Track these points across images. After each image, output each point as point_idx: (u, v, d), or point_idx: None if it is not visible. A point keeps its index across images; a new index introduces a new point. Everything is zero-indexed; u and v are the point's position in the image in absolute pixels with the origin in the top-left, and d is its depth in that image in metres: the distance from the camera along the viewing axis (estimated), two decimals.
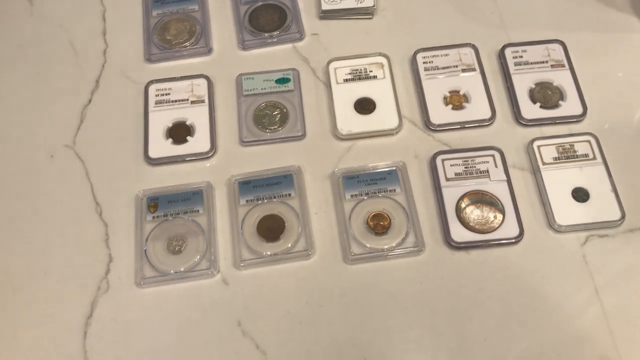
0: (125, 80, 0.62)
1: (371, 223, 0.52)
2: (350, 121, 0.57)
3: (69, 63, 0.63)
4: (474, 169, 0.54)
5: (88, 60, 0.63)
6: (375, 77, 0.59)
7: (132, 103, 0.60)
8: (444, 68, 0.60)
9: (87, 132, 0.59)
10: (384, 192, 0.54)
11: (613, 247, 0.51)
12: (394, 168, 0.55)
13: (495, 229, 0.51)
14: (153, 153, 0.56)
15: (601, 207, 0.52)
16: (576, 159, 0.54)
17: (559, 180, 0.53)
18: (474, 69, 0.59)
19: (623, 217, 0.51)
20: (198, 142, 0.57)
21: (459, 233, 0.51)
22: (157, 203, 0.54)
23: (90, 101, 0.61)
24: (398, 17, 0.64)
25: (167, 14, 0.65)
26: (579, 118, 0.56)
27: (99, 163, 0.57)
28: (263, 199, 0.54)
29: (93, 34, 0.65)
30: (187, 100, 0.59)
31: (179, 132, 0.58)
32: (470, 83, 0.58)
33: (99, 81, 0.62)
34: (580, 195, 0.52)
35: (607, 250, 0.51)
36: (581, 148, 0.54)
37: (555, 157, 0.54)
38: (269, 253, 0.51)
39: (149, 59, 0.62)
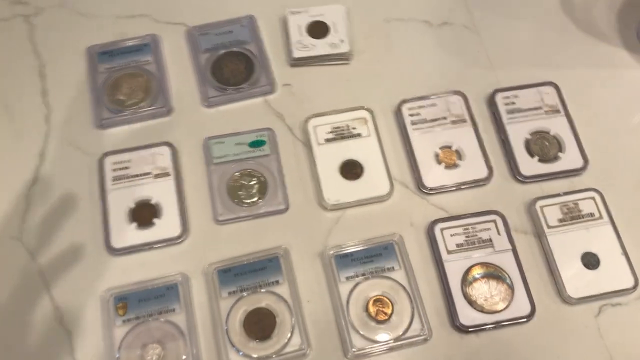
0: (74, 152, 0.54)
1: (372, 309, 0.47)
2: (337, 189, 0.52)
3: (5, 133, 0.55)
4: (476, 237, 0.50)
5: (28, 128, 0.55)
6: (359, 134, 0.54)
7: (86, 179, 0.52)
8: (432, 120, 0.54)
9: (36, 219, 0.51)
10: (382, 270, 0.49)
11: (628, 316, 0.48)
12: (391, 242, 0.50)
13: (505, 308, 0.47)
14: (116, 242, 0.49)
15: (613, 273, 0.48)
16: (582, 219, 0.50)
17: (567, 245, 0.49)
18: (464, 120, 0.54)
19: (637, 283, 0.48)
20: (166, 225, 0.50)
21: (467, 315, 0.47)
22: (126, 303, 0.47)
23: (35, 180, 0.53)
24: (377, 61, 0.58)
25: (117, 68, 0.57)
26: (579, 171, 0.53)
27: (53, 257, 0.49)
28: (247, 289, 0.48)
29: (30, 94, 0.56)
30: (150, 174, 0.52)
31: (144, 213, 0.51)
32: (462, 137, 0.54)
33: (44, 154, 0.54)
34: (591, 261, 0.49)
35: (621, 321, 0.48)
36: (586, 207, 0.51)
37: (560, 219, 0.50)
38: (259, 356, 0.46)
39: (100, 124, 0.55)
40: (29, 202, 0.52)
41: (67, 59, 0.58)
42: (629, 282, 0.48)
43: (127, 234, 0.50)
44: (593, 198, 0.51)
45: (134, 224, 0.50)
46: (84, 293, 0.48)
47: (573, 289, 0.48)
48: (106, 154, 0.53)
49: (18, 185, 0.52)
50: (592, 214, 0.51)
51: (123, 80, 0.56)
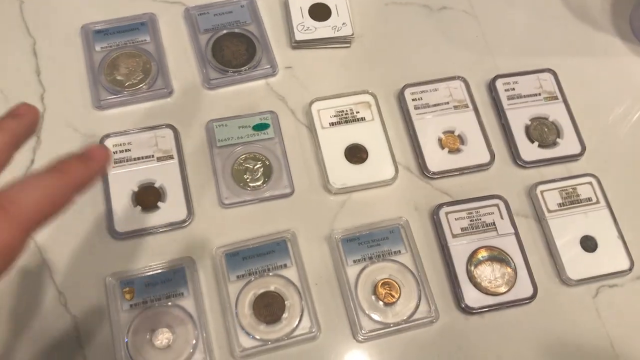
0: (72, 133, 0.52)
1: (381, 291, 0.48)
2: (342, 173, 0.52)
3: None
4: (480, 221, 0.50)
5: None
6: (363, 119, 0.54)
7: None
8: (434, 105, 0.55)
9: None
10: (389, 254, 0.49)
11: (624, 297, 0.50)
12: (397, 226, 0.50)
13: (508, 290, 0.48)
14: (120, 226, 0.49)
15: (610, 256, 0.50)
16: (580, 204, 0.52)
17: (566, 229, 0.51)
18: (466, 106, 0.55)
19: (632, 265, 0.50)
20: (172, 208, 0.50)
21: (472, 297, 0.48)
22: (133, 288, 0.47)
23: (32, 162, 0.51)
24: (377, 44, 0.58)
25: (114, 47, 0.55)
26: (577, 157, 0.54)
27: (55, 242, 0.48)
28: (256, 273, 0.48)
29: (24, 73, 0.55)
30: (153, 156, 0.51)
31: (148, 197, 0.50)
32: (464, 122, 0.54)
33: (39, 136, 0.52)
34: (589, 244, 0.50)
35: (617, 301, 0.49)
36: (584, 191, 0.52)
37: (560, 203, 0.52)
38: (271, 338, 0.46)
39: (99, 105, 0.53)
40: None
41: (61, 37, 0.56)
42: (625, 264, 0.50)
43: (131, 218, 0.49)
44: (590, 183, 0.53)
45: (138, 208, 0.49)
46: (89, 278, 0.47)
47: (572, 271, 0.49)
48: (107, 136, 0.52)
49: (15, 167, 0.50)
50: (589, 199, 0.52)
51: (121, 60, 0.55)
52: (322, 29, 0.57)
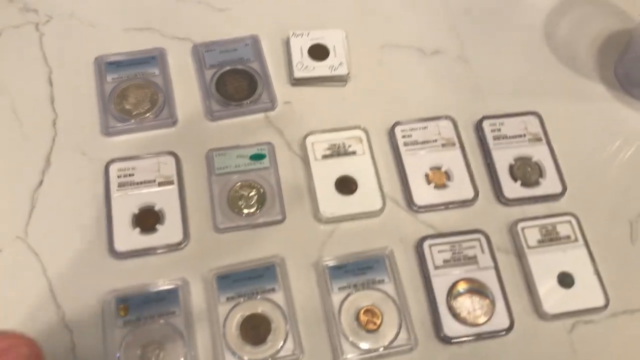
0: (81, 157, 0.56)
1: (363, 319, 0.50)
2: (332, 203, 0.54)
3: (13, 135, 0.56)
4: (462, 254, 0.53)
5: (36, 132, 0.57)
6: (354, 152, 0.57)
7: (91, 184, 0.54)
8: (423, 142, 0.58)
9: (41, 220, 0.53)
10: (373, 282, 0.51)
11: (598, 333, 0.51)
12: (382, 256, 0.53)
13: (486, 321, 0.50)
14: (119, 246, 0.51)
15: (586, 292, 0.52)
16: (559, 241, 0.54)
17: (545, 265, 0.53)
18: (453, 144, 0.58)
19: (607, 302, 0.52)
20: (169, 231, 0.53)
21: (451, 327, 0.50)
22: (127, 305, 0.49)
23: (41, 183, 0.54)
24: (371, 84, 0.62)
25: (124, 78, 0.59)
26: (558, 196, 0.56)
27: (57, 258, 0.51)
28: (245, 295, 0.50)
29: (39, 99, 0.58)
30: (154, 181, 0.54)
31: (147, 219, 0.53)
32: (451, 159, 0.57)
33: (50, 158, 0.56)
34: (566, 280, 0.52)
35: (593, 337, 0.51)
36: (563, 229, 0.54)
37: (540, 240, 0.54)
38: (256, 359, 0.48)
39: (107, 132, 0.57)
40: (34, 204, 0.53)
41: (76, 68, 0.60)
42: (600, 301, 0.52)
43: (130, 238, 0.52)
44: (570, 222, 0.55)
45: (137, 229, 0.52)
46: (87, 294, 0.50)
47: (549, 306, 0.51)
48: (112, 161, 0.55)
49: (24, 186, 0.54)
50: (568, 237, 0.54)
51: (130, 90, 0.59)
52: (320, 68, 0.60)
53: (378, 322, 0.50)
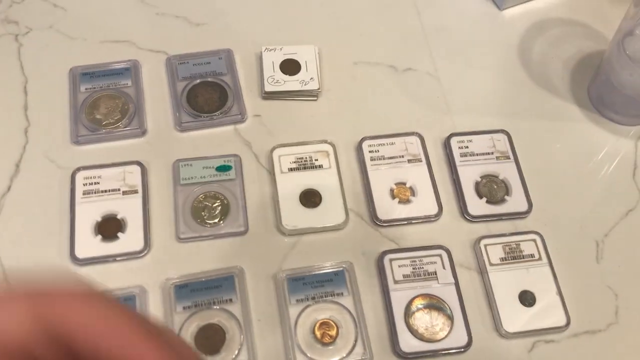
0: (49, 165, 0.56)
1: (318, 333, 0.49)
2: (295, 215, 0.55)
3: None
4: (422, 270, 0.53)
5: (7, 139, 0.58)
6: (320, 166, 0.57)
7: (57, 192, 0.55)
8: (390, 158, 0.58)
9: (6, 226, 0.53)
10: (331, 295, 0.51)
11: (559, 353, 0.51)
12: (342, 269, 0.52)
13: (444, 338, 0.50)
14: (80, 252, 0.52)
15: (547, 312, 0.51)
16: (522, 260, 0.54)
17: (506, 283, 0.52)
18: (420, 160, 0.58)
19: (568, 322, 0.51)
20: (130, 239, 0.53)
21: (407, 342, 0.50)
22: None
23: (9, 189, 0.55)
24: (343, 99, 0.62)
25: (97, 89, 0.60)
26: (524, 215, 0.56)
27: (19, 262, 0.52)
28: (202, 304, 0.50)
29: (13, 107, 0.59)
30: (119, 190, 0.55)
31: (109, 227, 0.53)
32: (416, 175, 0.57)
33: (19, 165, 0.56)
34: (527, 299, 0.52)
35: (553, 357, 0.50)
36: (527, 248, 0.54)
37: (502, 258, 0.53)
38: None
39: (77, 140, 0.57)
40: (0, 209, 0.54)
41: (51, 78, 0.61)
42: (561, 321, 0.51)
43: (92, 245, 0.52)
44: (534, 240, 0.55)
45: (99, 237, 0.53)
46: None
47: (509, 324, 0.51)
48: (78, 169, 0.56)
49: None
50: (532, 255, 0.54)
51: (101, 100, 0.59)
52: (291, 82, 0.61)
53: (333, 334, 0.49)
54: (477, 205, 0.56)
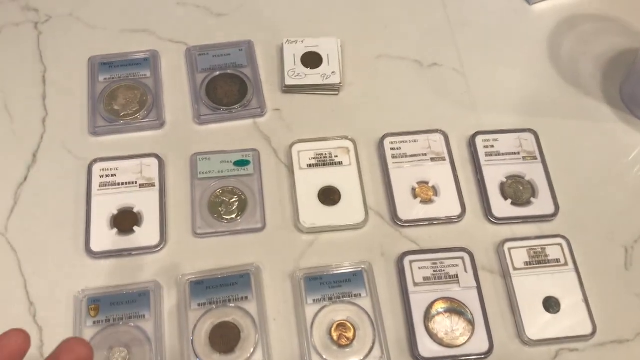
0: (66, 155, 0.56)
1: (335, 334, 0.48)
2: (313, 213, 0.53)
3: (3, 131, 0.57)
4: (443, 272, 0.51)
5: (25, 128, 0.57)
6: (340, 163, 0.56)
7: (74, 183, 0.54)
8: (412, 156, 0.56)
9: (22, 216, 0.53)
10: (349, 296, 0.50)
11: None
12: (360, 269, 0.51)
13: (464, 343, 0.48)
14: (95, 245, 0.51)
15: (572, 319, 0.50)
16: (547, 264, 0.52)
17: (530, 288, 0.51)
18: (443, 158, 0.56)
19: (594, 331, 0.49)
20: (146, 233, 0.52)
21: (427, 347, 0.48)
22: (98, 306, 0.49)
23: (26, 178, 0.55)
24: (365, 94, 0.61)
25: (116, 79, 0.59)
26: (550, 217, 0.54)
27: (34, 254, 0.51)
28: (217, 302, 0.49)
29: (31, 97, 0.59)
30: (136, 183, 0.54)
31: (125, 221, 0.52)
32: (439, 174, 0.56)
33: (36, 155, 0.56)
34: (552, 305, 0.50)
35: None
36: (553, 252, 0.52)
37: (527, 262, 0.52)
38: None
39: (94, 131, 0.57)
40: (17, 199, 0.53)
41: (70, 67, 0.60)
42: (587, 329, 0.49)
43: (107, 239, 0.52)
44: (560, 245, 0.53)
45: (115, 230, 0.52)
46: (60, 292, 0.50)
47: (532, 331, 0.49)
48: (95, 160, 0.55)
49: (9, 181, 0.54)
50: (558, 260, 0.52)
51: (120, 91, 0.59)
52: (312, 76, 0.60)
53: (350, 336, 0.48)
54: (501, 207, 0.54)
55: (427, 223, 0.54)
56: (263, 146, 0.57)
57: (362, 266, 0.51)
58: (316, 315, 0.49)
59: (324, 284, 0.50)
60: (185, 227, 0.53)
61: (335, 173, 0.55)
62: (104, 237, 0.52)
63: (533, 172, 0.56)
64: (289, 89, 0.60)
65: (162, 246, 0.52)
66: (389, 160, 0.56)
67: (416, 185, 0.55)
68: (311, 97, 0.60)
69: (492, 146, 0.57)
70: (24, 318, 0.49)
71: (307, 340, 0.48)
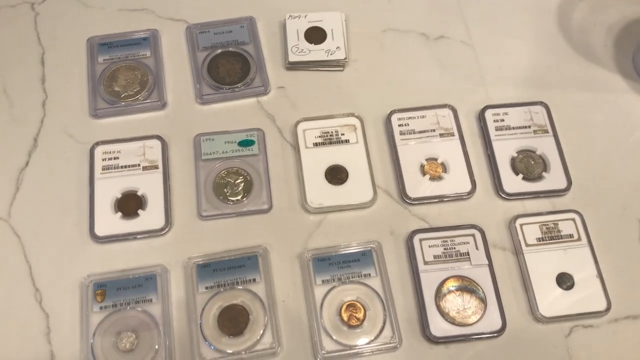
0: (67, 139, 0.55)
1: (344, 315, 0.48)
2: (320, 193, 0.52)
3: (2, 115, 0.56)
4: (454, 250, 0.50)
5: (25, 112, 0.56)
6: (347, 141, 0.55)
7: (76, 167, 0.54)
8: (420, 132, 0.55)
9: (25, 201, 0.52)
10: (358, 276, 0.49)
11: (598, 338, 0.48)
12: (369, 249, 0.50)
13: (476, 322, 0.48)
14: (100, 230, 0.50)
15: (586, 295, 0.49)
16: (560, 240, 0.51)
17: (543, 265, 0.50)
18: (452, 134, 0.55)
19: (609, 306, 0.48)
20: (151, 217, 0.51)
21: (438, 326, 0.47)
22: (104, 291, 0.48)
23: (27, 164, 0.54)
24: (371, 69, 0.59)
25: (116, 60, 0.58)
26: (563, 192, 0.53)
27: (38, 240, 0.51)
28: (225, 285, 0.49)
29: (30, 80, 0.58)
30: (139, 165, 0.53)
31: (129, 204, 0.52)
32: (448, 150, 0.54)
33: (37, 139, 0.55)
34: (565, 281, 0.49)
35: (591, 342, 0.48)
36: (565, 227, 0.51)
37: (539, 238, 0.51)
38: (230, 351, 0.46)
39: (95, 114, 0.56)
40: (19, 184, 0.53)
41: (68, 48, 0.59)
42: (601, 305, 0.48)
43: (112, 223, 0.51)
44: (573, 219, 0.52)
45: (119, 214, 0.51)
46: (65, 278, 0.49)
47: (545, 308, 0.48)
48: (97, 143, 0.54)
49: (10, 166, 0.53)
50: (571, 235, 0.51)
51: (120, 72, 0.57)
52: (316, 52, 0.58)
53: (361, 317, 0.47)
54: (512, 182, 0.53)
55: (436, 200, 0.53)
56: (267, 125, 0.56)
57: (371, 245, 0.50)
58: (325, 296, 0.48)
59: (332, 264, 0.50)
60: (190, 209, 0.52)
61: (342, 151, 0.54)
62: (109, 221, 0.51)
63: (544, 146, 0.55)
64: (293, 66, 0.58)
65: (167, 229, 0.51)
66: (397, 137, 0.55)
67: (425, 162, 0.54)
68: (315, 73, 0.59)
69: (502, 120, 0.56)
70: (30, 305, 0.48)
71: (316, 321, 0.47)
